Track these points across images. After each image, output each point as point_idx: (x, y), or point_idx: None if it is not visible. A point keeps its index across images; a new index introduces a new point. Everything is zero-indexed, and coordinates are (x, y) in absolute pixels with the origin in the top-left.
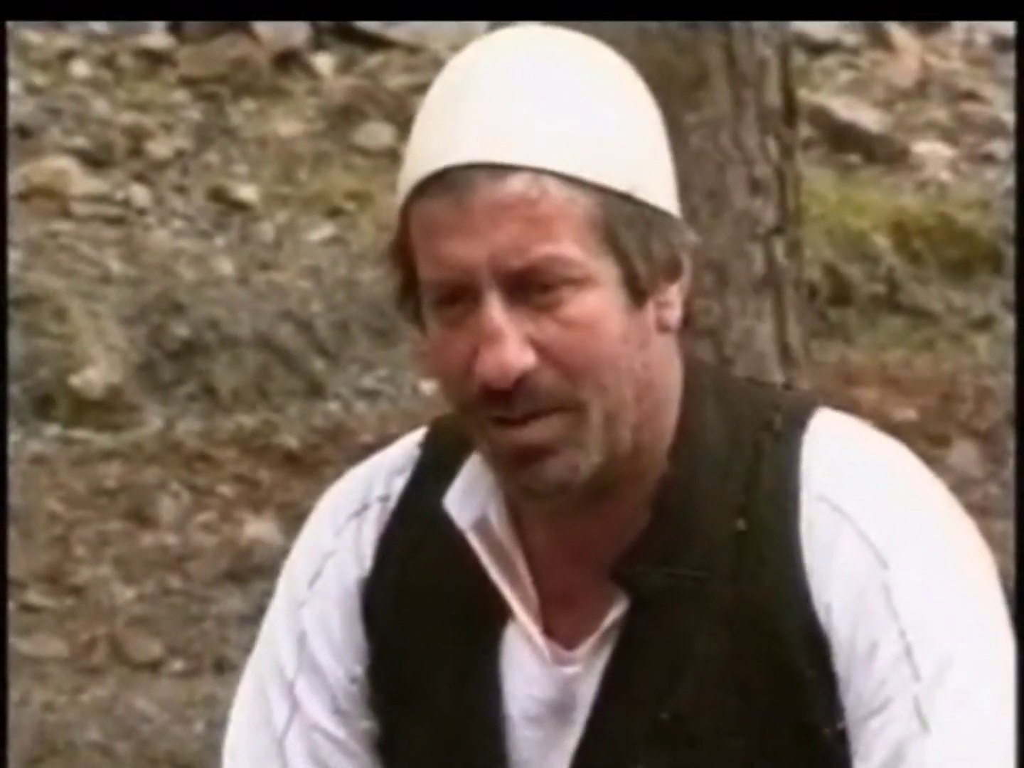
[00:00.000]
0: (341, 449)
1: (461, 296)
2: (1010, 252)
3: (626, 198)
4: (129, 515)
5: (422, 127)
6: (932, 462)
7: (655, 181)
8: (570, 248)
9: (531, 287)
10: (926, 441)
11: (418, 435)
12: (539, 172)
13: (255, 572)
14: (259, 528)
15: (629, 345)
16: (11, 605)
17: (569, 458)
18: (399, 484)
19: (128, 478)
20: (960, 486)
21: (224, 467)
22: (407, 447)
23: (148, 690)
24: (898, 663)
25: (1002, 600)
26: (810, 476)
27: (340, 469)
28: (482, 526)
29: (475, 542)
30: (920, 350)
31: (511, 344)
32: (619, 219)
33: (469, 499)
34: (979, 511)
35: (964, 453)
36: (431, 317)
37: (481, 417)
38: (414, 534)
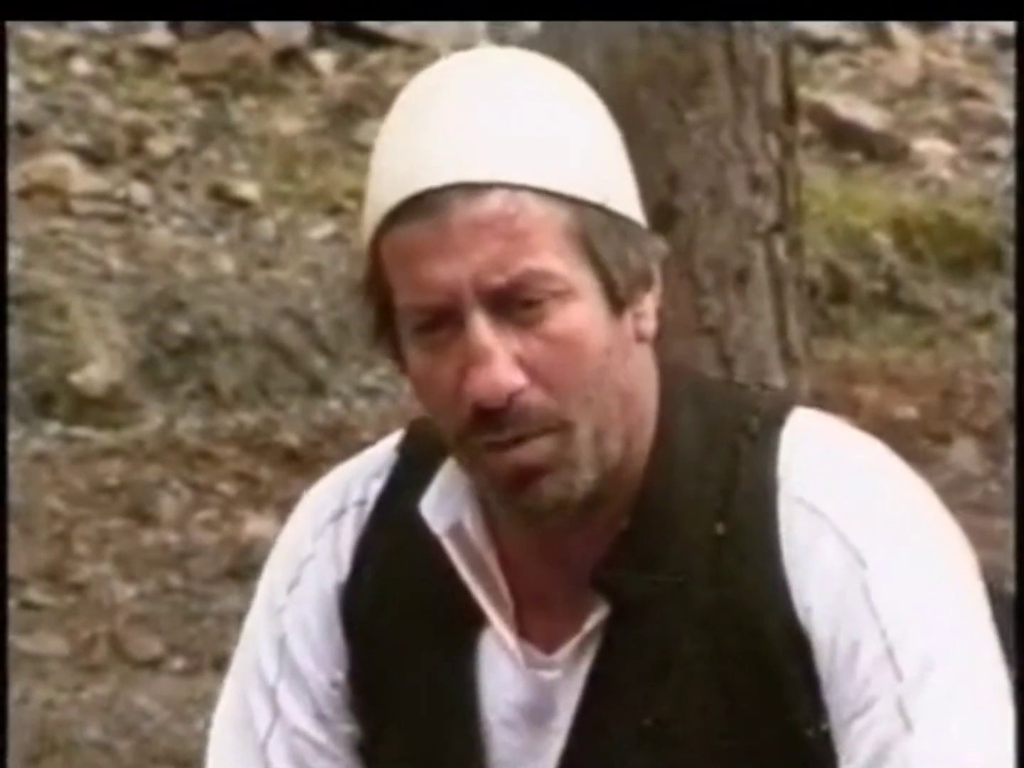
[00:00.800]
0: (342, 447)
1: (444, 320)
2: (1010, 250)
3: (600, 209)
4: (130, 513)
5: (386, 155)
6: (933, 460)
7: (624, 192)
8: (551, 261)
9: (514, 304)
10: (927, 439)
11: (396, 437)
12: (515, 188)
13: (256, 570)
14: (260, 526)
15: (613, 357)
16: (11, 603)
17: (563, 476)
18: (376, 488)
19: (129, 476)
20: (960, 484)
21: (225, 465)
22: (385, 450)
23: (149, 688)
24: (880, 663)
25: (983, 597)
26: (787, 477)
27: None
28: (457, 531)
29: (450, 547)
30: (921, 348)
31: (501, 362)
32: (595, 230)
33: (444, 504)
34: (979, 509)
35: (965, 451)
36: (412, 346)
37: (474, 445)
38: (391, 538)
